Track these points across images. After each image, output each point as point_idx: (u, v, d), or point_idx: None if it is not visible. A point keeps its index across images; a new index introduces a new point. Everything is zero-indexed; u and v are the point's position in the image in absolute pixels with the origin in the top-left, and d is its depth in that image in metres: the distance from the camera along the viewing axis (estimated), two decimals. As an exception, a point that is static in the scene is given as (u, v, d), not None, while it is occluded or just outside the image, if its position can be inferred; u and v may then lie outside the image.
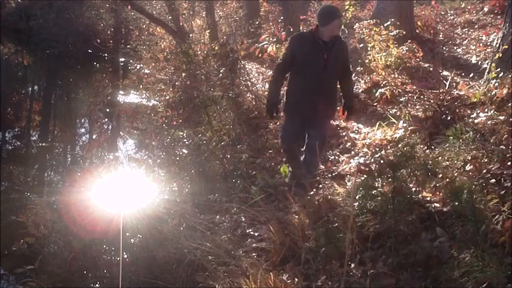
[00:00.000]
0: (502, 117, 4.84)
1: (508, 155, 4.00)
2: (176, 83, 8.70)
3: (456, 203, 3.22)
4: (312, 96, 4.80)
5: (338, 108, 5.26)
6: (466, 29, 10.10)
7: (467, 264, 2.91)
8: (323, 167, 5.40)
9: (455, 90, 6.27)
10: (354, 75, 8.01)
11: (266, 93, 7.90)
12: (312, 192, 4.56)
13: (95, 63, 15.50)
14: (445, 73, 7.52)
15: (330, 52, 4.76)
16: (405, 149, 3.74)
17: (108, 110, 10.94)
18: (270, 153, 6.10)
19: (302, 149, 5.09)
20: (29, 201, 5.40)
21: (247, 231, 4.46)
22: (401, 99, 6.55)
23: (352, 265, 3.48)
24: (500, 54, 5.99)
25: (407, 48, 7.80)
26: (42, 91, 14.00)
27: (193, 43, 10.15)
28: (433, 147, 4.84)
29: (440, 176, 3.96)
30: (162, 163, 6.44)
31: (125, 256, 4.22)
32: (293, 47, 4.90)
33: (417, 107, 6.16)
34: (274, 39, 8.83)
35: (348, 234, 3.63)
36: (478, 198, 3.23)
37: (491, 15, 10.41)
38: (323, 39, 4.75)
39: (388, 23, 8.09)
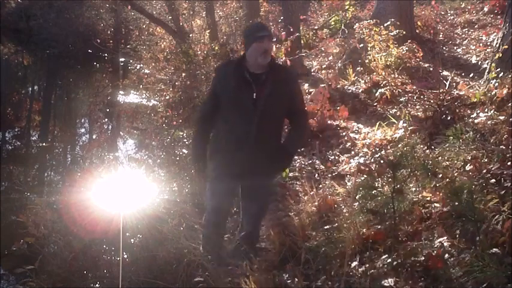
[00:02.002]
0: (502, 117, 4.84)
1: (508, 155, 4.00)
2: (176, 83, 8.71)
3: (456, 203, 3.22)
4: (242, 153, 3.51)
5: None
6: (466, 29, 10.10)
7: (467, 264, 2.91)
8: (323, 167, 5.41)
9: (455, 90, 6.27)
10: (354, 75, 8.09)
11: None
12: (312, 192, 4.56)
13: (95, 63, 15.50)
14: (445, 73, 7.53)
15: (262, 88, 3.44)
16: (405, 149, 3.74)
17: (108, 110, 10.94)
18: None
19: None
20: (29, 201, 5.40)
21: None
22: (401, 99, 6.55)
23: (352, 265, 3.48)
24: (500, 54, 5.99)
25: (407, 48, 7.81)
26: (42, 91, 13.99)
27: (193, 43, 10.16)
28: (433, 147, 4.84)
29: (440, 176, 3.96)
30: (162, 163, 6.44)
31: (125, 256, 4.22)
32: (216, 82, 3.66)
33: (417, 107, 6.16)
34: (274, 39, 8.83)
35: (348, 234, 3.64)
36: (478, 198, 3.23)
37: (491, 15, 10.41)
38: (251, 71, 3.47)
39: (388, 23, 8.10)
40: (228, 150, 3.54)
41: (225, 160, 3.56)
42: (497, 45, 6.20)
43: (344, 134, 6.24)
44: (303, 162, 5.71)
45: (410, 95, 6.64)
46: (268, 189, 3.88)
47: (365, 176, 3.94)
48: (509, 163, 3.90)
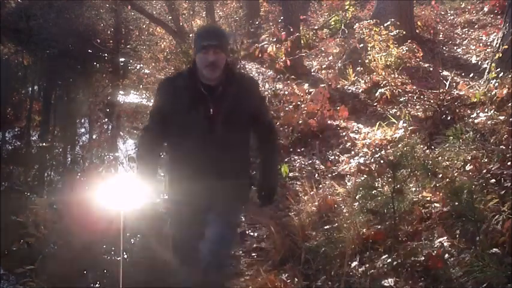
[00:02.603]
0: (502, 117, 4.84)
1: (508, 155, 4.00)
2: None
3: (456, 203, 3.22)
4: (204, 183, 2.88)
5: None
6: (466, 29, 10.10)
7: (467, 264, 2.92)
8: (323, 167, 5.41)
9: (455, 90, 6.27)
10: (354, 75, 8.09)
11: (266, 93, 7.92)
12: (312, 192, 4.56)
13: (95, 63, 15.49)
14: (445, 73, 7.53)
15: (219, 102, 2.83)
16: (405, 149, 3.74)
17: (108, 110, 10.93)
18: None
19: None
20: (29, 201, 5.40)
21: (247, 231, 4.47)
22: (401, 99, 6.56)
23: (352, 265, 3.48)
24: (500, 54, 5.99)
25: (407, 48, 7.81)
26: (42, 91, 13.99)
27: (193, 43, 10.16)
28: (433, 147, 4.84)
29: (440, 176, 3.96)
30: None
31: (125, 256, 4.22)
32: (161, 102, 2.97)
33: (417, 107, 6.17)
34: (274, 39, 8.83)
35: (348, 234, 3.64)
36: (478, 198, 3.23)
37: (491, 15, 10.41)
38: (204, 82, 2.84)
39: (388, 23, 8.10)
40: (187, 180, 2.92)
41: (186, 191, 2.94)
42: (497, 45, 6.20)
43: (344, 134, 6.24)
44: (303, 162, 5.71)
45: (410, 95, 6.65)
46: (233, 220, 3.16)
47: (365, 176, 3.95)
48: (509, 163, 3.90)
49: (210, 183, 2.86)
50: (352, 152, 5.67)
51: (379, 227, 3.72)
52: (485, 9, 10.76)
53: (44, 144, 8.71)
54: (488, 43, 8.62)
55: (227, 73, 2.87)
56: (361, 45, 8.34)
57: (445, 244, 3.30)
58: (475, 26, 10.13)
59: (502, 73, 5.78)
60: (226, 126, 2.83)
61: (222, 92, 2.84)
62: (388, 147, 5.21)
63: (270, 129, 3.12)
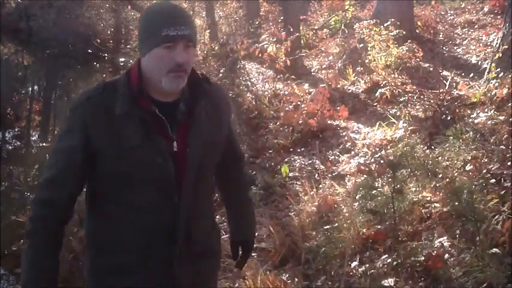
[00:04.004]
0: (502, 117, 4.84)
1: (508, 155, 4.00)
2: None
3: (456, 203, 3.22)
4: (159, 261, 1.80)
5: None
6: (466, 29, 10.10)
7: (467, 264, 2.92)
8: (323, 167, 5.41)
9: (455, 90, 6.27)
10: (354, 75, 8.09)
11: (266, 93, 7.93)
12: (312, 192, 4.56)
13: (95, 63, 15.50)
14: (445, 73, 7.53)
15: (184, 130, 1.79)
16: (405, 149, 3.74)
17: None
18: (270, 153, 6.10)
19: None
20: (29, 201, 5.40)
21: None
22: (401, 99, 6.56)
23: (352, 265, 3.48)
24: (500, 54, 5.99)
25: (407, 48, 7.81)
26: (42, 91, 13.99)
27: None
28: (433, 147, 4.84)
29: (440, 176, 3.96)
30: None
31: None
32: (81, 135, 1.72)
33: (417, 107, 6.17)
34: (274, 39, 8.84)
35: (348, 234, 3.64)
36: (478, 198, 3.23)
37: (491, 15, 10.41)
38: (157, 99, 1.77)
39: (388, 23, 8.10)
40: (136, 263, 1.78)
41: (132, 280, 1.79)
42: (497, 45, 6.20)
43: (344, 134, 6.24)
44: (303, 162, 5.71)
45: (410, 95, 6.65)
46: None
47: (365, 176, 3.95)
48: (509, 163, 3.90)
49: (176, 263, 1.77)
50: (352, 152, 5.67)
51: (379, 227, 3.72)
52: (485, 9, 10.76)
53: (44, 144, 8.72)
54: (488, 43, 8.62)
55: (191, 81, 1.78)
56: (361, 45, 8.34)
57: (445, 244, 3.30)
58: (475, 26, 10.13)
59: (502, 73, 5.78)
60: (197, 168, 1.78)
61: (186, 113, 1.77)
62: (388, 147, 5.21)
63: (242, 163, 2.16)
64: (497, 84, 5.68)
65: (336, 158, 5.68)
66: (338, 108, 6.82)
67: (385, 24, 8.07)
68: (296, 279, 3.49)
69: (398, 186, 3.43)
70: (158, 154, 1.72)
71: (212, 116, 1.85)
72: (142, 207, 1.75)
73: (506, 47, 5.96)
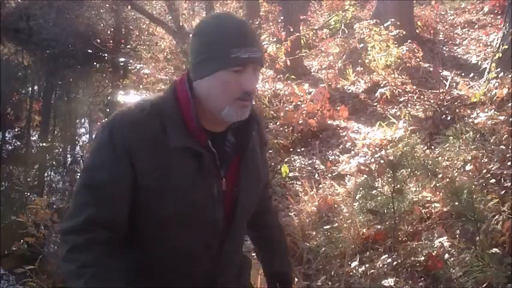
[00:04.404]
0: (502, 117, 4.84)
1: (508, 155, 4.00)
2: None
3: (456, 203, 3.22)
4: None
5: None
6: (466, 29, 10.10)
7: (467, 264, 2.92)
8: (323, 167, 5.41)
9: (455, 90, 6.27)
10: (354, 75, 8.09)
11: (266, 93, 7.94)
12: (312, 192, 4.56)
13: (95, 63, 15.50)
14: (445, 73, 7.53)
15: (233, 166, 1.54)
16: (405, 149, 3.74)
17: (108, 110, 10.94)
18: (270, 153, 6.10)
19: None
20: (29, 201, 5.40)
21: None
22: (401, 99, 6.56)
23: (352, 265, 3.48)
24: (500, 54, 5.99)
25: (407, 48, 7.81)
26: (42, 91, 14.00)
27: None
28: (433, 147, 4.85)
29: (440, 176, 3.96)
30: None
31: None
32: (126, 166, 1.41)
33: (417, 107, 6.16)
34: (274, 39, 8.84)
35: (348, 234, 3.64)
36: (478, 198, 3.23)
37: (491, 15, 10.41)
38: (208, 130, 1.49)
39: (388, 23, 8.10)
40: None
41: None
42: (497, 45, 6.20)
43: (344, 134, 6.24)
44: (303, 162, 5.71)
45: (410, 95, 6.65)
46: None
47: (365, 176, 3.94)
48: (509, 163, 3.90)
49: None
50: (352, 152, 5.67)
51: (379, 227, 3.72)
52: (485, 9, 10.76)
53: (44, 144, 8.72)
54: (488, 43, 8.62)
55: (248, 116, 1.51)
56: (361, 45, 8.34)
57: (445, 244, 3.30)
58: (475, 26, 10.13)
59: (502, 73, 5.78)
60: (243, 208, 1.56)
61: (235, 145, 1.54)
62: (388, 147, 5.21)
63: (272, 203, 1.93)
64: (497, 84, 5.68)
65: (336, 158, 5.68)
66: (338, 108, 6.82)
67: (385, 24, 8.06)
68: (296, 279, 3.49)
69: (398, 186, 3.43)
70: (209, 196, 1.47)
71: (260, 150, 1.62)
72: (177, 257, 1.49)
73: (506, 47, 5.96)
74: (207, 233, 1.50)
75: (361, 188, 3.57)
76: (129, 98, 10.99)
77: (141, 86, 11.09)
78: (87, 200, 1.41)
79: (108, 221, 1.41)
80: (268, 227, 1.84)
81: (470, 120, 5.08)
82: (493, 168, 3.89)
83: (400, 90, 6.94)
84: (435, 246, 3.30)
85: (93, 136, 1.52)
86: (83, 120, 11.06)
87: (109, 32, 16.68)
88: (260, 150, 1.63)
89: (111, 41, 16.11)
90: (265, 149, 1.73)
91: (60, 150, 8.89)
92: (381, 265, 3.37)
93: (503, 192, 3.53)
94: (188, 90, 1.45)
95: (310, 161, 5.69)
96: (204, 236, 1.50)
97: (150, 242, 1.50)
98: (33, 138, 9.61)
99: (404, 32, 8.15)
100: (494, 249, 3.02)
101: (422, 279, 3.16)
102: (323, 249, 3.65)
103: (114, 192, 1.41)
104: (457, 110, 5.52)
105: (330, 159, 5.68)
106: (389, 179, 3.49)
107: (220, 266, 1.55)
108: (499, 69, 5.89)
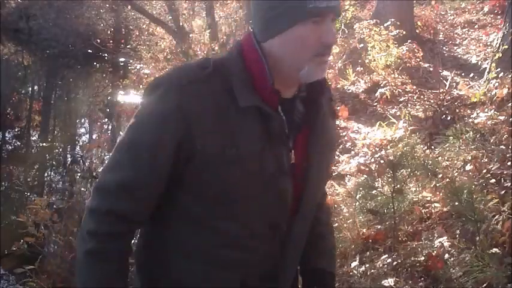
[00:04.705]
0: (502, 117, 4.84)
1: (508, 155, 4.00)
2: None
3: (456, 203, 3.22)
4: None
5: None
6: (466, 29, 10.10)
7: (467, 264, 2.92)
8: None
9: (455, 90, 6.27)
10: (354, 75, 8.08)
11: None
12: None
13: (95, 63, 15.50)
14: (445, 73, 7.53)
15: (302, 136, 1.32)
16: (405, 149, 3.74)
17: (108, 110, 10.94)
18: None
19: None
20: (29, 201, 5.40)
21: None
22: (401, 99, 6.56)
23: (352, 265, 3.48)
24: (500, 54, 5.99)
25: (407, 48, 7.81)
26: (42, 91, 14.00)
27: (193, 43, 10.16)
28: (433, 147, 4.85)
29: (440, 176, 3.96)
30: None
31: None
32: (179, 127, 1.20)
33: (417, 107, 6.17)
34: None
35: (348, 234, 3.64)
36: (478, 198, 3.23)
37: (491, 15, 10.41)
38: (278, 94, 1.27)
39: (388, 23, 8.10)
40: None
41: None
42: (497, 45, 6.20)
43: (344, 134, 6.24)
44: (303, 162, 5.70)
45: (410, 95, 6.65)
46: None
47: (365, 176, 3.94)
48: (509, 163, 3.90)
49: None
50: (352, 152, 5.66)
51: (379, 227, 3.72)
52: (485, 9, 10.76)
53: (44, 144, 8.72)
54: (488, 43, 8.62)
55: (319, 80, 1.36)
56: (361, 45, 8.34)
57: (445, 244, 3.30)
58: (475, 26, 10.13)
59: (502, 73, 5.78)
60: (312, 187, 1.36)
61: (304, 114, 1.34)
62: (388, 147, 5.21)
63: (326, 195, 1.76)
64: (497, 84, 5.68)
65: (336, 158, 5.68)
66: (338, 108, 6.82)
67: (385, 24, 8.06)
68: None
69: (398, 186, 3.43)
70: (278, 166, 1.26)
71: (331, 122, 1.43)
72: (239, 237, 1.28)
73: (506, 47, 5.96)
74: (274, 209, 1.28)
75: (361, 188, 3.57)
76: (129, 98, 11.00)
77: (141, 86, 11.10)
78: (123, 161, 1.28)
79: (143, 187, 1.25)
80: (321, 223, 1.56)
81: (470, 120, 5.08)
82: (493, 168, 3.89)
83: (400, 90, 6.93)
84: (435, 246, 3.30)
85: (143, 93, 1.26)
86: (83, 120, 11.06)
87: (109, 32, 16.68)
88: (331, 125, 1.43)
89: (111, 41, 16.11)
90: (335, 122, 1.49)
91: (60, 150, 8.89)
92: (380, 265, 3.37)
93: (503, 192, 3.54)
94: (259, 50, 1.27)
95: (310, 161, 5.68)
96: (271, 213, 1.28)
97: (199, 223, 1.27)
98: (33, 138, 9.61)
99: (404, 32, 8.15)
100: (494, 249, 3.02)
101: (422, 279, 3.16)
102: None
103: (156, 155, 1.22)
104: (457, 110, 5.52)
105: (330, 159, 5.67)
106: (389, 179, 3.49)
107: (286, 254, 1.35)
108: (499, 69, 5.89)
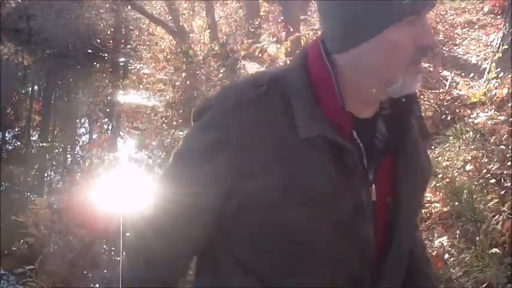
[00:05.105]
0: (502, 117, 4.84)
1: (508, 155, 4.00)
2: (176, 83, 8.71)
3: (456, 203, 3.22)
4: None
5: None
6: (466, 29, 10.10)
7: (467, 264, 2.92)
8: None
9: (455, 90, 6.27)
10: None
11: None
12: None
13: (95, 63, 15.50)
14: (445, 73, 7.53)
15: (393, 166, 1.04)
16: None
17: (108, 110, 10.94)
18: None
19: None
20: (29, 201, 5.40)
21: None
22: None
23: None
24: (500, 54, 5.99)
25: (407, 48, 7.80)
26: (42, 91, 14.00)
27: (193, 43, 10.16)
28: (433, 147, 4.85)
29: (440, 176, 3.96)
30: (162, 163, 6.44)
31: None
32: (229, 163, 0.96)
33: (417, 107, 6.17)
34: (274, 39, 8.85)
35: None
36: (478, 198, 3.23)
37: (491, 15, 10.41)
38: (356, 116, 1.02)
39: (388, 23, 8.09)
40: None
41: None
42: (497, 45, 6.20)
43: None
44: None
45: (410, 95, 6.64)
46: None
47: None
48: (509, 163, 3.90)
49: None
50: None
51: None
52: (485, 9, 10.76)
53: (44, 144, 8.72)
54: (488, 43, 8.62)
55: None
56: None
57: (445, 244, 3.30)
58: (475, 26, 10.13)
59: (502, 73, 5.78)
60: (403, 227, 1.07)
61: (389, 139, 1.06)
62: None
63: (419, 230, 1.44)
64: (497, 84, 5.68)
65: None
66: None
67: (385, 24, 8.06)
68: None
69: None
70: (356, 207, 0.99)
71: (422, 146, 1.12)
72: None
73: (506, 47, 5.96)
74: (352, 260, 1.01)
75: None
76: (129, 98, 11.01)
77: (141, 86, 11.10)
78: (160, 203, 1.06)
79: (184, 233, 1.03)
80: (418, 271, 1.21)
81: (470, 120, 5.08)
82: (493, 168, 3.89)
83: (400, 90, 6.93)
84: (435, 246, 3.30)
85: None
86: (83, 120, 11.06)
87: (109, 32, 16.67)
88: (422, 146, 1.13)
89: (111, 41, 16.11)
90: (427, 143, 1.22)
91: (60, 150, 8.89)
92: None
93: (503, 192, 3.54)
94: (328, 65, 1.00)
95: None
96: (349, 265, 1.01)
97: (258, 280, 1.01)
98: (33, 138, 9.62)
99: (404, 32, 8.15)
100: (494, 249, 3.02)
101: (422, 279, 3.16)
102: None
103: (201, 204, 1.00)
104: (457, 110, 5.52)
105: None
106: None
107: None
108: (499, 69, 5.89)
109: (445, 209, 3.65)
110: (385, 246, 1.04)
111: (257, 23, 11.22)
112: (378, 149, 1.03)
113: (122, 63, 14.74)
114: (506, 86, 5.51)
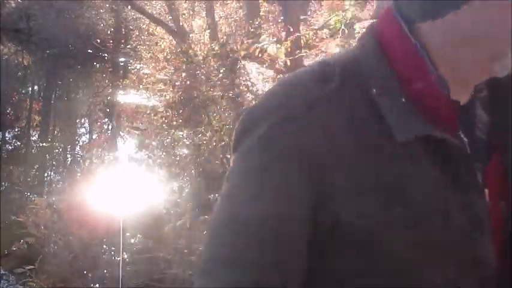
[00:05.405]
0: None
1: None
2: (176, 83, 8.71)
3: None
4: None
5: None
6: None
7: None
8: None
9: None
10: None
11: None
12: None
13: (95, 63, 15.51)
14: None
15: (500, 165, 0.77)
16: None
17: (108, 110, 10.95)
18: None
19: None
20: (29, 201, 5.41)
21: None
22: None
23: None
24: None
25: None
26: (42, 91, 14.01)
27: (193, 43, 10.17)
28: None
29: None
30: (162, 163, 6.44)
31: (125, 256, 4.22)
32: (308, 185, 0.69)
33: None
34: (274, 39, 8.85)
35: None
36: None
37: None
38: (455, 102, 0.74)
39: (388, 23, 8.10)
40: None
41: None
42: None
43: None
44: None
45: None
46: None
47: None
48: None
49: None
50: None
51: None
52: (485, 9, 10.77)
53: (44, 144, 8.73)
54: (488, 43, 8.62)
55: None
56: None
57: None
58: None
59: (502, 73, 5.79)
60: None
61: (492, 128, 0.81)
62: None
63: None
64: (497, 84, 5.69)
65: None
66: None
67: (385, 24, 8.07)
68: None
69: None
70: (472, 222, 0.76)
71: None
72: None
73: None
74: (467, 283, 0.77)
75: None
76: (129, 98, 11.01)
77: (141, 86, 11.10)
78: (233, 247, 0.71)
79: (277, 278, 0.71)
80: None
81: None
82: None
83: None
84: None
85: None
86: (83, 120, 11.06)
87: (109, 32, 16.68)
88: None
89: (111, 41, 16.12)
90: None
91: (60, 150, 8.89)
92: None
93: (503, 192, 3.53)
94: (417, 43, 0.74)
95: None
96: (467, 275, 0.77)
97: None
98: (33, 138, 9.62)
99: (404, 32, 8.15)
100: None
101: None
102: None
103: (280, 233, 0.71)
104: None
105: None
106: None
107: None
108: (499, 69, 5.90)
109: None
110: (503, 266, 0.79)
111: (257, 23, 11.21)
112: (482, 143, 0.80)
113: (121, 63, 14.75)
114: (506, 86, 5.52)
